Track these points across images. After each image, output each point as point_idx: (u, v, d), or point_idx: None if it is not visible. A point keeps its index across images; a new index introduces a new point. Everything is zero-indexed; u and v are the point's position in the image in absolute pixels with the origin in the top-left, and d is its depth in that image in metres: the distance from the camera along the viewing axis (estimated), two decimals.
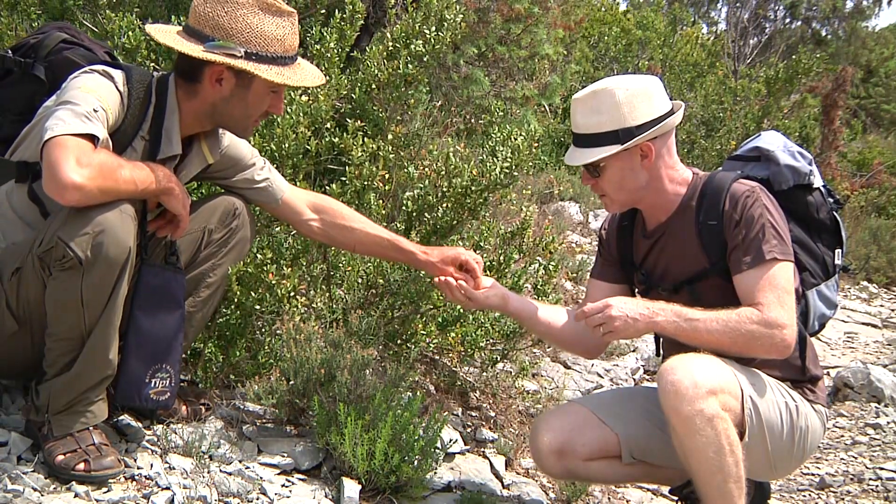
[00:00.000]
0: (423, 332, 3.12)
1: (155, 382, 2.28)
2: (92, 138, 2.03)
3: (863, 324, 6.86)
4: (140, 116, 2.27)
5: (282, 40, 2.27)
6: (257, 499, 2.31)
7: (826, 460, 3.86)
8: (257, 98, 2.31)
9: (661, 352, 2.66)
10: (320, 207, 2.65)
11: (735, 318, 2.21)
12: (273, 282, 2.75)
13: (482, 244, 3.20)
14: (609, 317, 2.22)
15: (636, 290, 2.62)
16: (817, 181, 2.51)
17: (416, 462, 2.46)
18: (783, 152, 2.50)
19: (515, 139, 3.12)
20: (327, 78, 3.40)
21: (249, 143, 2.63)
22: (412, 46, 3.39)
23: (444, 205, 3.10)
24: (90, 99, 2.09)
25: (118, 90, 2.19)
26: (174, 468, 2.34)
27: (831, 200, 2.54)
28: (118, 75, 2.21)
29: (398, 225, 3.23)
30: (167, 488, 2.22)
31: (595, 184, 2.43)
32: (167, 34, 2.28)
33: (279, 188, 2.60)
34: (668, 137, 2.42)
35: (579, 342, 2.63)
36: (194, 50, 2.21)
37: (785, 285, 2.25)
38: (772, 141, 2.55)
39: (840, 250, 2.55)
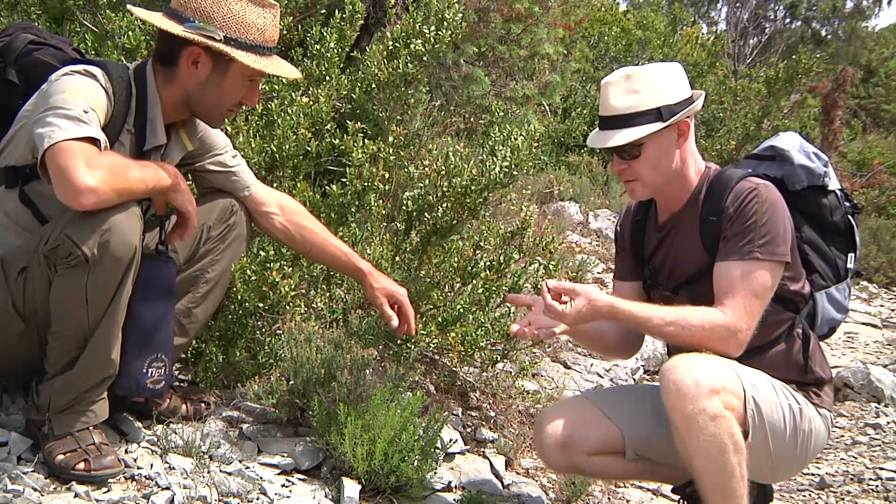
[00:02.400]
0: (423, 332, 3.12)
1: (151, 372, 2.29)
2: (93, 141, 2.03)
3: (863, 324, 6.85)
4: (124, 110, 2.28)
5: (262, 30, 2.28)
6: (257, 499, 2.31)
7: (826, 460, 3.86)
8: (233, 85, 2.32)
9: (670, 351, 2.66)
10: (285, 206, 2.66)
11: (696, 318, 2.24)
12: (277, 279, 2.75)
13: (482, 244, 3.20)
14: (575, 291, 2.24)
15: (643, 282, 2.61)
16: (833, 184, 2.48)
17: (416, 462, 2.46)
18: (798, 152, 2.48)
19: (515, 139, 3.12)
20: (327, 78, 3.41)
21: (242, 140, 2.64)
22: (412, 46, 3.38)
23: (444, 205, 3.10)
24: (79, 101, 2.09)
25: (103, 88, 2.20)
26: (174, 468, 2.34)
27: (847, 204, 2.52)
28: (98, 72, 2.22)
29: (398, 225, 3.23)
30: (167, 488, 2.22)
31: (628, 167, 2.38)
32: (150, 14, 2.30)
33: (249, 177, 2.62)
34: (692, 122, 2.42)
35: (620, 343, 2.65)
36: (175, 28, 2.22)
37: (756, 287, 2.24)
38: (788, 141, 2.53)
39: (853, 254, 2.53)
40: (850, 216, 2.52)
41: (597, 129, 2.43)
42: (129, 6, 2.39)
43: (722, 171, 2.41)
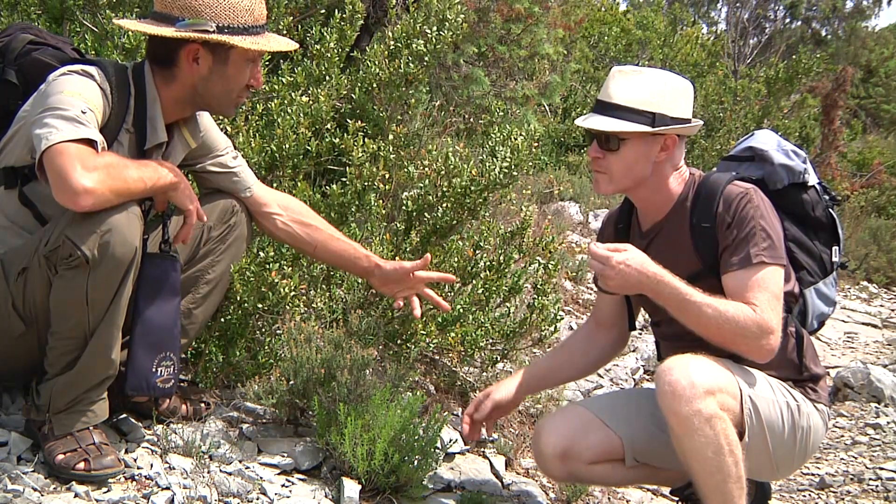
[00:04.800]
0: (423, 332, 3.12)
1: (161, 371, 2.29)
2: (90, 142, 2.03)
3: (863, 324, 6.86)
4: (122, 109, 2.28)
5: (250, 10, 2.28)
6: (257, 499, 2.31)
7: (826, 460, 3.86)
8: (236, 71, 2.32)
9: (661, 355, 2.66)
10: (287, 205, 2.66)
11: (732, 309, 2.21)
12: (276, 280, 2.75)
13: (482, 244, 3.20)
14: (627, 249, 2.21)
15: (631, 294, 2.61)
16: (812, 179, 2.50)
17: (416, 462, 2.46)
18: (777, 151, 2.49)
19: (515, 139, 3.12)
20: (328, 78, 3.41)
21: (242, 140, 2.63)
22: (413, 46, 3.39)
23: (444, 205, 3.10)
24: (76, 101, 2.08)
25: (100, 88, 2.20)
26: (174, 468, 2.35)
27: (827, 198, 2.53)
28: (95, 72, 2.22)
29: (398, 225, 3.23)
30: (167, 488, 2.22)
31: (603, 157, 2.36)
32: (137, 23, 2.30)
33: (250, 178, 2.61)
34: (683, 142, 2.42)
35: (587, 365, 2.73)
36: (167, 31, 2.22)
37: (773, 289, 2.25)
38: (765, 140, 2.53)
39: (837, 247, 2.54)
40: (830, 209, 2.53)
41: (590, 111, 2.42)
42: (115, 20, 2.39)
43: (707, 177, 2.41)
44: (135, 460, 2.34)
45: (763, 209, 2.30)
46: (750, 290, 2.23)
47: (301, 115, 3.16)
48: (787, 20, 24.00)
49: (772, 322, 2.21)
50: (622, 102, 2.31)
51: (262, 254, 2.76)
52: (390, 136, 3.32)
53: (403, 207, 3.22)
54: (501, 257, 3.19)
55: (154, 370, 2.28)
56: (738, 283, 2.26)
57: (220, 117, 2.85)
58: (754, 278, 2.24)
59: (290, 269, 2.91)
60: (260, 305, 2.79)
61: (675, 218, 2.41)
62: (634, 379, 4.49)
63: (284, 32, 3.57)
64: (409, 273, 2.64)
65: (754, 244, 2.26)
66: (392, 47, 3.45)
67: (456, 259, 3.16)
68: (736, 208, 2.29)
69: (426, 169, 3.15)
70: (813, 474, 3.65)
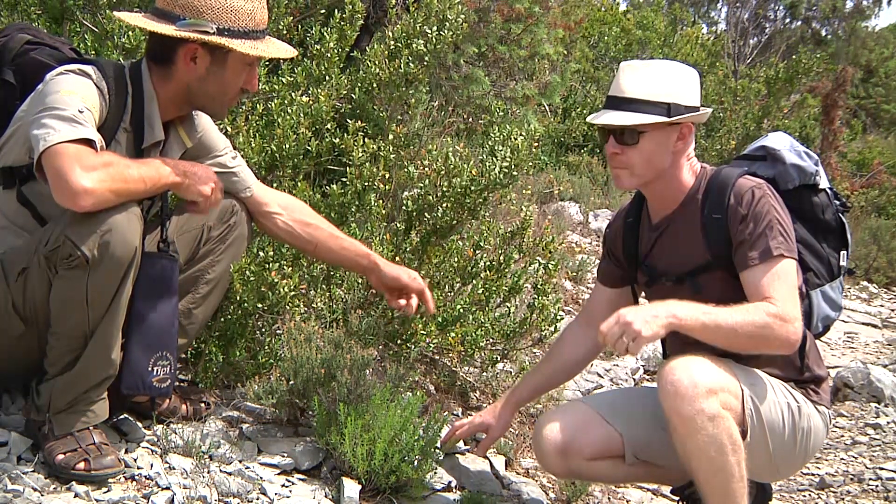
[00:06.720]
0: (423, 332, 3.12)
1: (157, 370, 2.29)
2: (89, 142, 2.03)
3: (863, 324, 6.85)
4: (120, 108, 2.28)
5: (252, 14, 2.28)
6: (257, 499, 2.31)
7: (826, 460, 3.86)
8: (233, 74, 2.32)
9: (666, 353, 2.66)
10: (287, 205, 2.65)
11: (753, 312, 2.20)
12: (276, 280, 2.75)
13: (482, 244, 3.20)
14: (626, 323, 2.11)
15: (639, 284, 2.62)
16: (823, 182, 2.51)
17: (416, 462, 2.46)
18: (789, 152, 2.50)
19: (515, 139, 3.12)
20: (327, 78, 3.41)
21: (242, 140, 2.63)
22: (413, 46, 3.39)
23: (444, 205, 3.10)
24: (73, 101, 2.08)
25: (97, 87, 2.20)
26: (174, 468, 2.35)
27: (837, 203, 2.55)
28: (92, 71, 2.22)
29: (398, 225, 3.23)
30: (167, 488, 2.22)
31: (621, 152, 2.35)
32: (137, 18, 2.29)
33: (250, 178, 2.61)
34: (694, 130, 2.43)
35: (577, 365, 2.77)
36: (167, 29, 2.22)
37: (792, 281, 2.27)
38: (778, 141, 2.55)
39: (845, 252, 2.55)
40: (840, 214, 2.54)
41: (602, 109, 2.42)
42: (115, 13, 2.39)
43: (718, 171, 2.43)
44: (135, 460, 2.34)
45: (775, 203, 2.32)
46: (769, 283, 2.24)
47: (301, 115, 3.16)
48: (787, 20, 24.01)
49: (791, 311, 2.22)
50: (636, 96, 2.32)
51: (262, 254, 2.77)
52: (390, 136, 3.32)
53: (403, 207, 3.22)
54: (501, 257, 3.19)
55: (150, 369, 2.28)
56: (758, 277, 2.26)
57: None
58: (773, 271, 2.25)
59: (290, 269, 2.91)
60: (260, 305, 2.79)
61: (687, 210, 2.42)
62: (634, 379, 4.49)
63: (284, 32, 3.57)
64: (406, 285, 2.66)
65: (773, 237, 2.27)
66: (392, 47, 3.45)
67: (456, 259, 3.16)
68: (749, 202, 2.30)
69: (426, 169, 3.15)
70: (813, 474, 3.65)
